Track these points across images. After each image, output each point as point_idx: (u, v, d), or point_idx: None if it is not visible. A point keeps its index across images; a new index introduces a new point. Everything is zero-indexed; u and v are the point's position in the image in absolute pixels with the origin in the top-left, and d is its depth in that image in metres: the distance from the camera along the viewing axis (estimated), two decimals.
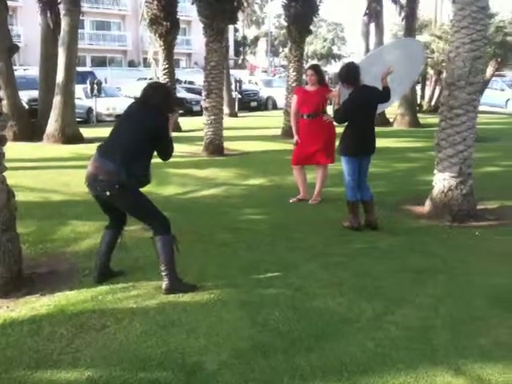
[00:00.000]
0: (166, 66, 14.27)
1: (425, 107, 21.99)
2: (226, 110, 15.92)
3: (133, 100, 5.13)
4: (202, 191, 7.64)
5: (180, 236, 5.29)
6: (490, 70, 22.11)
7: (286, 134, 13.34)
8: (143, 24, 18.35)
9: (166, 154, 4.15)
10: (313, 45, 75.22)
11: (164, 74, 14.37)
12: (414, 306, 3.90)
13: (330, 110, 6.70)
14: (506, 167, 9.61)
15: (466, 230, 5.87)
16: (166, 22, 13.77)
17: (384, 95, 5.60)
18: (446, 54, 6.23)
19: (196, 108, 20.95)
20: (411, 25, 15.18)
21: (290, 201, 6.94)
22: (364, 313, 3.78)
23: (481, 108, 22.26)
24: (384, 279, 4.39)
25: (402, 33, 20.29)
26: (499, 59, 21.69)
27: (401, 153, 10.90)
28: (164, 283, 4.11)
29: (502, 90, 26.38)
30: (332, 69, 67.35)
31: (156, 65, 15.81)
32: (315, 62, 79.97)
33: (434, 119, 19.50)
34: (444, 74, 6.30)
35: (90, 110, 17.72)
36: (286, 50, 74.75)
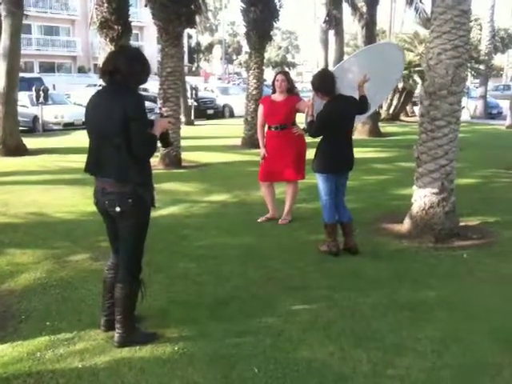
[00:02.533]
0: None
1: (383, 115, 21.85)
2: (182, 118, 15.21)
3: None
4: (159, 210, 6.83)
5: None
6: None
7: (247, 143, 12.79)
8: (93, 29, 17.43)
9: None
10: (267, 52, 75.22)
11: None
12: (415, 354, 3.33)
13: (301, 119, 6.12)
14: (479, 178, 9.30)
15: (452, 251, 5.38)
16: (117, 26, 12.88)
17: (362, 105, 5.07)
18: (425, 61, 5.76)
19: (150, 115, 20.11)
20: (372, 32, 14.87)
21: (259, 220, 6.31)
22: (360, 366, 3.18)
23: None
24: (376, 318, 3.81)
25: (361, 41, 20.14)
26: None
27: (366, 164, 10.43)
28: (117, 334, 3.38)
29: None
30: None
31: None
32: (270, 69, 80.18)
33: (393, 128, 19.44)
34: (424, 83, 5.82)
35: (35, 118, 16.63)
36: (240, 57, 74.73)
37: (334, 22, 15.15)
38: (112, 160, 3.17)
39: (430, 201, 5.80)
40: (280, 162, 6.09)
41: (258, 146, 12.89)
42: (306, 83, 49.74)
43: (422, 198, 5.86)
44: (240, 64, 77.79)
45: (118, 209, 3.21)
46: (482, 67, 22.36)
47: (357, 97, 5.06)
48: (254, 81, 12.70)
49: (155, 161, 10.32)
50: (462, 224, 6.08)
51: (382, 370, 3.13)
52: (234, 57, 74.75)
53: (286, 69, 78.41)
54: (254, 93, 12.73)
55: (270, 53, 71.41)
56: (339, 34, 15.62)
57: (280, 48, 74.63)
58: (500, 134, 17.62)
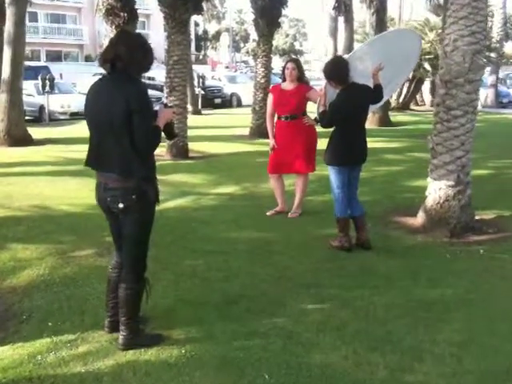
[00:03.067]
0: None
1: (393, 104, 21.54)
2: (189, 107, 15.02)
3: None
4: (166, 202, 6.71)
5: None
6: None
7: (255, 133, 12.59)
8: (99, 16, 17.21)
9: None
10: (275, 40, 74.67)
11: None
12: (434, 358, 3.16)
13: (312, 109, 5.91)
14: (492, 169, 9.08)
15: (468, 246, 5.19)
16: (123, 13, 12.62)
17: (376, 95, 4.87)
18: (441, 48, 5.53)
19: (155, 106, 19.94)
20: (382, 19, 14.56)
21: (268, 213, 6.14)
22: (376, 371, 3.02)
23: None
24: (391, 319, 3.64)
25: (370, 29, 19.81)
26: None
27: (377, 154, 10.18)
28: (121, 336, 3.23)
29: None
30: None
31: None
32: (277, 57, 79.54)
33: (403, 117, 19.14)
34: (439, 70, 5.60)
35: (42, 107, 16.49)
36: (248, 45, 74.18)
37: (343, 8, 14.83)
38: (114, 153, 2.98)
39: (446, 194, 5.60)
40: (290, 153, 5.91)
41: (266, 136, 12.66)
42: (313, 71, 49.27)
43: (436, 190, 5.66)
44: (247, 52, 77.28)
45: (121, 205, 3.03)
46: (493, 55, 21.97)
47: (370, 85, 4.86)
48: (262, 69, 12.47)
49: (162, 151, 10.16)
50: (477, 218, 5.89)
51: (399, 376, 2.97)
52: (242, 45, 74.27)
53: (294, 57, 78.06)
54: (262, 81, 12.51)
55: (278, 40, 70.84)
56: (349, 21, 15.31)
57: (288, 36, 74.00)
58: None
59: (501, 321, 3.68)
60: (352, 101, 4.63)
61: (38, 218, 5.95)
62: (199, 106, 19.32)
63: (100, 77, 3.19)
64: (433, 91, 23.01)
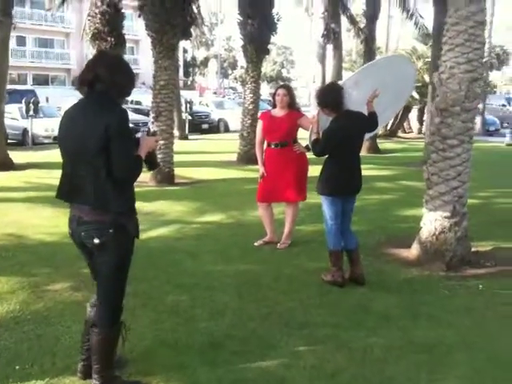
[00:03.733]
0: None
1: (380, 132, 21.55)
2: (176, 132, 14.81)
3: None
4: (148, 231, 6.43)
5: None
6: None
7: (242, 159, 12.39)
8: (87, 41, 17.09)
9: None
10: (263, 67, 75.47)
11: None
12: None
13: (303, 136, 5.69)
14: (485, 199, 8.91)
15: (466, 281, 4.94)
16: (110, 38, 12.55)
17: (371, 123, 4.67)
18: (437, 76, 5.37)
19: (144, 129, 19.74)
20: (371, 48, 14.57)
21: (256, 244, 5.86)
22: None
23: (423, 130, 21.77)
24: (391, 363, 3.36)
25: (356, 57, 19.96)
26: None
27: (368, 182, 9.89)
28: None
29: None
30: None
31: None
32: (265, 84, 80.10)
33: (391, 144, 19.11)
34: (435, 98, 5.42)
35: (25, 131, 16.18)
36: (236, 71, 74.90)
37: (332, 36, 14.83)
38: (89, 184, 2.74)
39: (441, 225, 5.38)
40: (280, 181, 5.66)
41: (254, 162, 12.47)
42: (301, 98, 49.51)
43: (432, 222, 5.44)
44: (235, 78, 77.81)
45: (96, 240, 2.76)
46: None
47: (365, 113, 4.67)
48: (251, 95, 12.33)
49: (146, 177, 9.88)
50: (472, 249, 5.67)
51: None
52: (230, 71, 74.78)
53: (285, 83, 78.74)
54: (251, 107, 12.36)
55: (266, 67, 71.41)
56: (338, 48, 15.30)
57: (275, 63, 74.69)
58: (502, 152, 17.30)
59: (506, 365, 3.42)
60: (346, 128, 4.42)
61: (12, 248, 5.61)
62: (186, 131, 19.13)
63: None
64: (420, 119, 23.15)
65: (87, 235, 2.78)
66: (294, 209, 5.87)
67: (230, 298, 4.33)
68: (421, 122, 22.90)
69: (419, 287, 4.75)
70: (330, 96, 4.46)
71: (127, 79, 2.87)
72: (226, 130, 23.65)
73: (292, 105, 5.67)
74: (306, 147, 5.69)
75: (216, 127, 23.28)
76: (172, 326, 3.82)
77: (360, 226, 6.75)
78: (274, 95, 5.73)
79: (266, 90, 67.95)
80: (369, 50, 14.49)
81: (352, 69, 21.42)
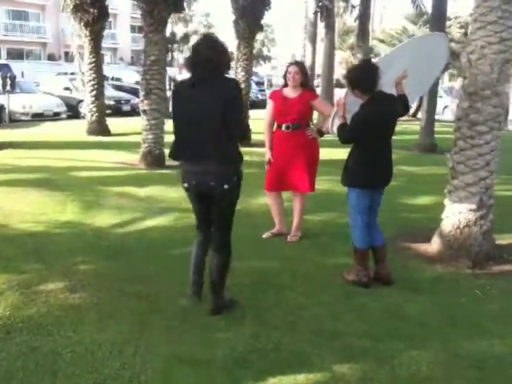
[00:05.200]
0: (93, 59, 12.35)
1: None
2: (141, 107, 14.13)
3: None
4: (145, 220, 5.94)
5: (124, 303, 3.69)
6: None
7: None
8: (65, 14, 16.20)
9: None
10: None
11: (90, 69, 12.45)
12: None
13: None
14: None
15: (495, 280, 4.58)
16: (92, 9, 11.86)
17: (404, 106, 4.20)
18: (465, 56, 4.93)
19: (126, 108, 19.05)
20: (365, 26, 14.06)
21: (264, 236, 5.42)
22: None
23: (419, 115, 21.63)
24: (440, 382, 2.97)
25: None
26: None
27: None
28: (213, 301, 3.64)
29: (440, 97, 26.22)
30: (262, 70, 66.59)
31: (81, 58, 13.75)
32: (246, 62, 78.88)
33: None
34: (462, 81, 4.99)
35: (1, 107, 15.34)
36: None
37: (325, 13, 14.27)
38: (215, 144, 3.33)
39: (466, 218, 5.00)
40: (289, 168, 5.20)
41: (245, 143, 12.01)
42: (280, 77, 48.86)
43: (456, 214, 5.05)
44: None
45: (226, 186, 3.40)
46: None
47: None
48: (243, 73, 11.77)
49: (136, 159, 9.35)
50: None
51: None
52: None
53: (262, 63, 77.55)
54: (243, 86, 11.77)
55: None
56: (330, 27, 14.75)
57: (256, 41, 73.53)
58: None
59: None
60: (380, 113, 3.95)
61: None
62: (170, 109, 18.43)
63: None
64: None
65: (217, 183, 3.38)
66: (302, 199, 5.43)
67: (247, 301, 3.88)
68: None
69: (449, 287, 4.37)
70: (365, 75, 3.98)
71: (228, 57, 3.49)
72: None
73: (305, 84, 5.19)
74: (319, 132, 5.24)
75: None
76: (186, 337, 3.36)
77: None
78: (285, 73, 5.22)
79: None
80: (363, 28, 13.97)
81: (341, 47, 20.91)
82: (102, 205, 6.46)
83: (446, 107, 26.03)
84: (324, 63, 15.02)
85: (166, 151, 9.32)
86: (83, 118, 17.28)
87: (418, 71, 4.47)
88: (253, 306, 3.83)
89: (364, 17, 14.01)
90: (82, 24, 11.90)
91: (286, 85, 5.25)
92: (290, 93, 5.17)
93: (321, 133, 5.22)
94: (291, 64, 5.29)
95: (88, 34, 11.95)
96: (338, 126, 4.13)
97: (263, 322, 3.58)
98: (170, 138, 9.93)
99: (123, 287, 4.06)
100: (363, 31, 14.04)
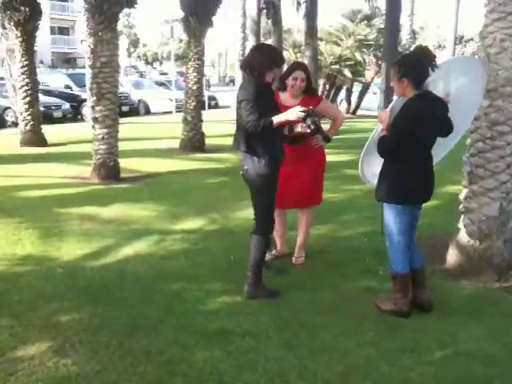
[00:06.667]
0: (25, 62, 11.13)
1: None
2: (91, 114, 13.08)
3: None
4: (121, 248, 5.11)
5: (132, 366, 2.96)
6: (371, 73, 21.88)
7: (187, 146, 11.15)
8: None
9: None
10: (168, 45, 72.93)
11: (22, 73, 11.22)
12: None
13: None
14: None
15: None
16: (24, 7, 10.66)
17: (449, 121, 3.58)
18: (483, 50, 4.49)
19: (57, 114, 17.66)
20: (313, 24, 13.63)
21: (266, 259, 4.75)
22: None
23: (358, 112, 21.64)
24: None
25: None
26: (380, 62, 21.46)
27: (336, 169, 8.97)
28: (247, 284, 3.92)
29: (375, 94, 26.48)
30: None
31: (10, 61, 12.44)
32: (171, 63, 77.30)
33: (327, 125, 18.34)
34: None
35: None
36: (139, 49, 71.76)
37: (272, 10, 13.73)
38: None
39: (487, 227, 4.59)
40: (294, 183, 4.56)
41: (199, 150, 11.32)
42: (207, 78, 47.91)
43: (475, 223, 4.62)
44: (139, 57, 74.51)
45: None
46: None
47: None
48: (194, 74, 10.99)
49: (87, 172, 8.37)
50: None
51: None
52: (132, 49, 71.50)
53: (300, 61, 76.56)
54: (195, 88, 11.04)
55: (171, 45, 69.10)
56: (278, 23, 14.23)
57: (181, 41, 72.31)
58: None
59: None
60: (428, 112, 3.36)
61: None
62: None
63: None
64: (348, 98, 22.80)
65: None
66: (309, 214, 4.83)
67: (281, 351, 3.22)
68: (349, 101, 22.57)
69: (490, 308, 3.91)
70: (421, 63, 3.39)
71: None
72: (147, 112, 21.98)
73: (308, 89, 4.55)
74: (325, 138, 4.64)
75: (136, 109, 21.47)
76: None
77: (362, 226, 5.91)
78: (284, 76, 4.54)
79: (173, 68, 65.57)
80: (311, 26, 13.55)
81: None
82: (64, 231, 5.54)
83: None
84: None
85: (122, 162, 8.45)
86: (10, 126, 15.88)
87: (460, 102, 3.86)
88: (290, 357, 3.16)
89: (311, 14, 13.56)
90: (13, 24, 10.68)
91: (283, 88, 4.59)
92: (289, 100, 4.49)
93: (327, 139, 4.63)
94: (296, 68, 4.55)
95: (19, 35, 10.74)
96: (378, 139, 3.51)
97: (310, 377, 2.94)
98: (126, 146, 9.12)
99: (123, 342, 3.28)
100: (311, 29, 13.59)
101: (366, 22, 21.09)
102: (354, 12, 21.31)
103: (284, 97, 4.54)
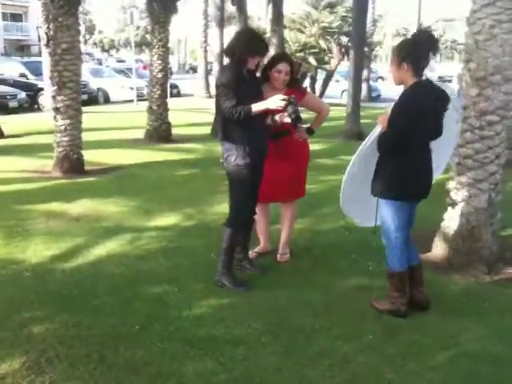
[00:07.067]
0: None
1: None
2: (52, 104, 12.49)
3: None
4: (92, 247, 4.77)
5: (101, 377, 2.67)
6: (335, 61, 21.79)
7: (152, 137, 10.78)
8: None
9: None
10: (125, 32, 71.27)
11: None
12: None
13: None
14: None
15: None
16: None
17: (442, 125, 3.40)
18: (470, 37, 4.34)
19: (12, 104, 16.87)
20: (279, 10, 13.35)
21: (250, 256, 4.51)
22: None
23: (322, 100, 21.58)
24: None
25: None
26: (343, 50, 21.41)
27: (310, 160, 8.90)
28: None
29: (337, 81, 26.46)
30: (146, 57, 64.23)
31: None
32: (128, 50, 75.51)
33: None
34: (465, 65, 4.40)
35: None
36: (95, 36, 70.12)
37: None
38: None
39: (476, 219, 4.49)
40: (277, 177, 4.31)
41: (165, 140, 10.94)
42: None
43: (464, 215, 4.52)
44: (95, 44, 72.56)
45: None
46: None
47: None
48: (159, 62, 10.58)
49: (48, 165, 7.92)
50: None
51: None
52: (87, 36, 69.55)
53: (146, 50, 74.97)
54: (159, 76, 10.64)
55: (128, 32, 67.58)
56: (243, 10, 13.90)
57: (138, 28, 70.66)
58: None
59: None
60: (428, 100, 3.17)
61: None
62: None
63: None
64: (313, 86, 22.66)
65: None
66: (294, 209, 4.61)
67: (277, 359, 2.99)
68: (313, 89, 22.43)
69: (486, 305, 3.78)
70: (421, 47, 3.18)
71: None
72: (107, 100, 21.32)
73: (292, 82, 4.27)
74: (308, 130, 4.43)
75: (95, 98, 20.75)
76: None
77: (340, 220, 5.70)
78: (267, 68, 4.23)
79: (130, 56, 63.99)
80: (277, 13, 13.26)
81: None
82: (28, 231, 5.15)
83: (343, 91, 26.38)
84: None
85: (86, 154, 8.03)
86: None
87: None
88: (292, 368, 2.94)
89: (278, 0, 13.27)
90: None
91: (265, 79, 4.28)
92: (272, 92, 4.10)
93: (311, 131, 4.42)
94: (281, 59, 4.21)
95: None
96: (379, 136, 3.29)
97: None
98: (88, 137, 8.65)
99: (105, 355, 3.00)
100: (277, 15, 13.29)
101: (329, 9, 20.95)
102: None
103: (265, 88, 4.24)
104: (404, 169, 3.27)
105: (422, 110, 3.15)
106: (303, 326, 3.36)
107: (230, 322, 3.40)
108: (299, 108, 3.90)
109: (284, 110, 3.79)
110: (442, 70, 37.52)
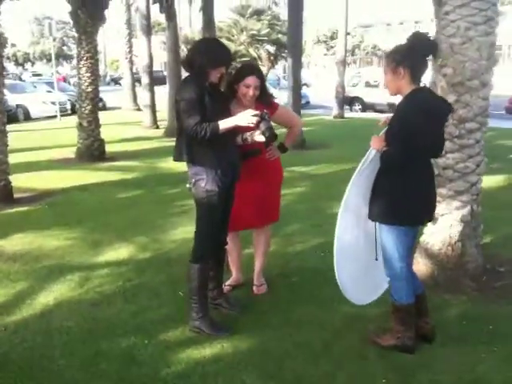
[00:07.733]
0: None
1: None
2: None
3: None
4: (37, 293, 4.10)
5: None
6: (264, 70, 21.66)
7: (83, 156, 10.00)
8: None
9: None
10: (40, 44, 68.32)
11: None
12: None
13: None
14: None
15: (510, 302, 3.89)
16: None
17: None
18: (444, 40, 4.08)
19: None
20: (210, 17, 12.92)
21: (225, 291, 4.02)
22: None
23: None
24: None
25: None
26: (272, 58, 21.35)
27: None
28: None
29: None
30: (64, 70, 61.69)
31: None
32: (44, 63, 72.35)
33: None
34: (439, 71, 4.14)
35: None
36: (7, 50, 67.46)
37: (165, 3, 12.80)
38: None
39: (459, 232, 4.24)
40: (248, 200, 3.86)
41: (98, 159, 10.21)
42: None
43: (446, 228, 4.26)
44: (8, 58, 68.98)
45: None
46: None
47: None
48: (88, 74, 9.82)
49: None
50: None
51: None
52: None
53: (65, 63, 72.01)
54: (89, 90, 9.88)
55: (44, 44, 64.89)
56: (172, 17, 13.32)
57: (55, 39, 67.97)
58: (344, 124, 17.09)
59: None
60: (432, 106, 2.82)
61: None
62: None
63: None
64: None
65: None
66: (267, 234, 4.16)
67: None
68: None
69: (491, 329, 3.50)
70: (416, 51, 2.83)
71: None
72: (27, 117, 19.96)
73: (262, 95, 3.81)
74: (281, 147, 4.00)
75: (14, 115, 19.36)
76: None
77: (309, 239, 5.37)
78: (233, 81, 3.75)
79: (46, 69, 61.27)
80: (208, 20, 12.82)
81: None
82: None
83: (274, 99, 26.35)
84: (169, 58, 13.54)
85: (14, 180, 7.21)
86: None
87: None
88: None
89: (208, 7, 12.83)
90: None
91: (231, 96, 3.79)
92: (239, 109, 3.61)
93: (284, 149, 3.99)
94: (249, 72, 3.69)
95: None
96: (381, 154, 2.89)
97: None
98: (13, 159, 7.78)
99: None
100: (208, 23, 12.84)
101: (256, 16, 20.83)
102: (243, 7, 20.94)
103: (232, 105, 3.75)
104: (410, 190, 2.91)
105: (427, 119, 2.80)
106: (304, 374, 2.92)
107: (219, 380, 2.90)
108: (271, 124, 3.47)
109: (256, 127, 3.33)
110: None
